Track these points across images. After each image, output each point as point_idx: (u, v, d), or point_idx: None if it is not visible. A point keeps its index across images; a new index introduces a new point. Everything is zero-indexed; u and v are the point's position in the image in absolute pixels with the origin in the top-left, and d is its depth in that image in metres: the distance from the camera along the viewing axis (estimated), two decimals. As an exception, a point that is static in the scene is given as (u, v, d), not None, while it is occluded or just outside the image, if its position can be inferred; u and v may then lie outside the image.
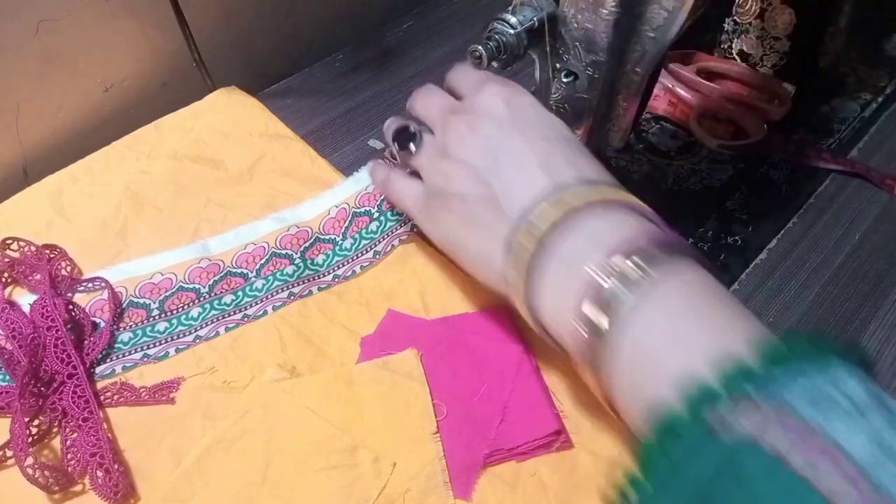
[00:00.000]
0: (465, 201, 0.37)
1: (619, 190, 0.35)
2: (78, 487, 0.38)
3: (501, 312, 0.46)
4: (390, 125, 0.45)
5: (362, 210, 0.51)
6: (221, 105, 0.62)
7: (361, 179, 0.53)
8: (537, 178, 0.35)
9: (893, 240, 0.52)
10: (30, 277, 0.47)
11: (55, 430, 0.41)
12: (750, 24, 0.61)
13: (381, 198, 0.51)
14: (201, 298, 0.47)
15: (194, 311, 0.46)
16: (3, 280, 0.48)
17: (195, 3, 0.61)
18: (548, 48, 0.42)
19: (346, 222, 0.51)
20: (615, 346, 0.30)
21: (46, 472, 0.37)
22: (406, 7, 0.77)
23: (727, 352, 0.26)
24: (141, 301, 0.47)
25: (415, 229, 0.50)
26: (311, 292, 0.48)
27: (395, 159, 0.45)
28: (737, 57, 0.64)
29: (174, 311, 0.46)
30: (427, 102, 0.44)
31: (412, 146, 0.42)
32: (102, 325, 0.45)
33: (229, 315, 0.46)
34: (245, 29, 0.68)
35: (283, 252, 0.49)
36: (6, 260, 0.48)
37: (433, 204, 0.40)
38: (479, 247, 0.37)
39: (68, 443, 0.40)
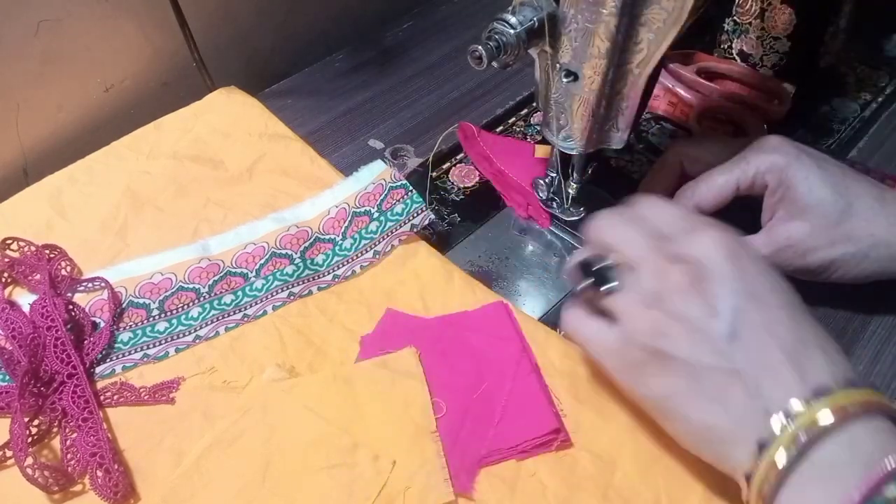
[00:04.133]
0: (689, 368, 0.34)
1: (875, 392, 0.32)
2: (78, 487, 0.38)
3: (501, 311, 0.46)
4: (577, 255, 0.40)
5: (362, 210, 0.51)
6: (221, 105, 0.62)
7: (361, 179, 0.53)
8: (785, 367, 0.32)
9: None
10: (30, 277, 0.47)
11: (55, 430, 0.41)
12: (750, 24, 0.61)
13: (381, 197, 0.51)
14: (201, 298, 0.47)
15: (194, 311, 0.46)
16: (3, 280, 0.48)
17: (195, 3, 0.61)
18: (548, 48, 0.42)
19: (346, 222, 0.51)
20: None
21: (46, 472, 0.37)
22: (406, 7, 0.77)
23: None
24: (141, 301, 0.47)
25: (415, 229, 0.50)
26: (310, 292, 0.48)
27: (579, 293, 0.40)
28: (737, 57, 0.64)
29: (174, 311, 0.46)
30: (623, 234, 0.38)
31: (612, 285, 0.37)
32: (102, 325, 0.45)
33: (229, 315, 0.46)
34: (245, 29, 0.68)
35: (283, 252, 0.49)
36: (6, 260, 0.48)
37: (639, 358, 0.35)
38: (708, 421, 0.34)
39: (68, 443, 0.40)
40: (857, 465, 0.30)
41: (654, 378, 0.35)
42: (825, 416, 0.30)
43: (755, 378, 0.32)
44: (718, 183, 0.45)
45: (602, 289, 0.37)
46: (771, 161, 0.44)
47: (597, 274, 0.38)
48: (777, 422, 0.31)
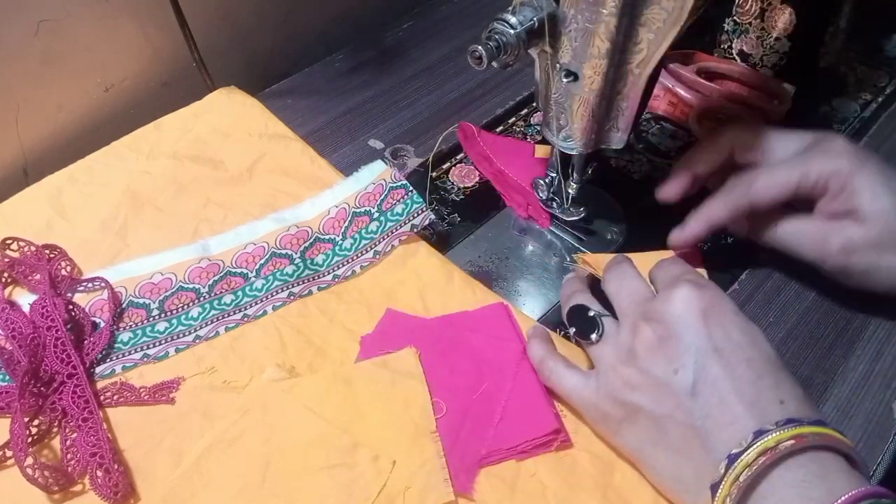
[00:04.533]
0: (655, 420, 0.36)
1: (826, 428, 0.33)
2: (78, 487, 0.38)
3: (501, 311, 0.46)
4: (571, 298, 0.44)
5: (362, 210, 0.51)
6: (221, 105, 0.62)
7: (361, 179, 0.53)
8: (742, 416, 0.33)
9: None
10: (30, 277, 0.47)
11: (55, 430, 0.41)
12: (750, 24, 0.61)
13: (382, 198, 0.51)
14: (201, 298, 0.47)
15: (194, 311, 0.46)
16: (3, 280, 0.48)
17: (195, 3, 0.61)
18: (548, 48, 0.42)
19: (346, 222, 0.51)
20: None
21: (46, 472, 0.37)
22: (406, 7, 0.77)
23: None
24: (141, 301, 0.47)
25: (415, 230, 0.50)
26: (310, 292, 0.48)
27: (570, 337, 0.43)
28: (737, 57, 0.64)
29: (174, 311, 0.46)
30: (621, 287, 0.41)
31: (593, 336, 0.40)
32: (102, 325, 0.45)
33: (229, 315, 0.46)
34: (245, 29, 0.68)
35: (283, 252, 0.49)
36: (6, 260, 0.48)
37: (613, 410, 0.38)
38: (673, 471, 0.36)
39: (68, 443, 0.40)
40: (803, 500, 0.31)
41: (626, 429, 0.37)
42: (766, 454, 0.31)
43: (712, 431, 0.34)
44: (779, 182, 0.44)
45: (584, 340, 0.41)
46: (836, 166, 0.43)
47: (579, 322, 0.41)
48: (723, 467, 0.32)
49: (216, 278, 0.48)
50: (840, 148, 0.44)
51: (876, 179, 0.42)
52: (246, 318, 0.46)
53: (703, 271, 0.47)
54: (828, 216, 0.44)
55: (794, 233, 0.45)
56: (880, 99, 0.64)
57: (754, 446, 0.32)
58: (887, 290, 0.44)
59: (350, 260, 0.49)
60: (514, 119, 0.63)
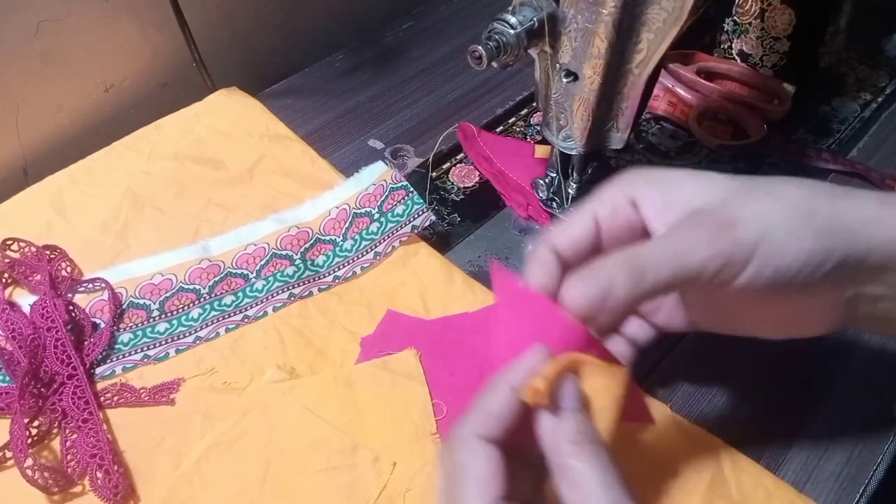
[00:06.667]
0: None
1: None
2: (77, 489, 0.38)
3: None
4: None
5: (363, 211, 0.51)
6: (222, 105, 0.62)
7: (362, 180, 0.53)
8: None
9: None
10: (30, 278, 0.47)
11: (55, 431, 0.41)
12: (750, 24, 0.61)
13: (382, 199, 0.51)
14: (201, 299, 0.47)
15: (194, 312, 0.46)
16: (4, 281, 0.47)
17: (195, 3, 0.61)
18: (548, 48, 0.41)
19: (347, 223, 0.51)
20: None
21: (46, 474, 0.37)
22: (406, 7, 0.77)
23: None
24: (141, 302, 0.47)
25: (415, 231, 0.50)
26: (311, 293, 0.48)
27: None
28: (737, 57, 0.64)
29: (174, 312, 0.46)
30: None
31: None
32: (102, 325, 0.45)
33: (229, 316, 0.46)
34: (245, 29, 0.68)
35: (284, 253, 0.49)
36: (6, 261, 0.48)
37: None
38: None
39: (68, 444, 0.40)
40: None
41: None
42: None
43: None
44: (570, 221, 0.35)
45: None
46: (624, 177, 0.34)
47: None
48: None
49: (217, 279, 0.48)
50: (628, 171, 0.35)
51: (676, 171, 0.34)
52: (246, 319, 0.46)
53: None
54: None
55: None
56: (880, 99, 0.64)
57: None
58: (771, 284, 0.31)
59: (351, 261, 0.49)
60: (514, 119, 0.63)
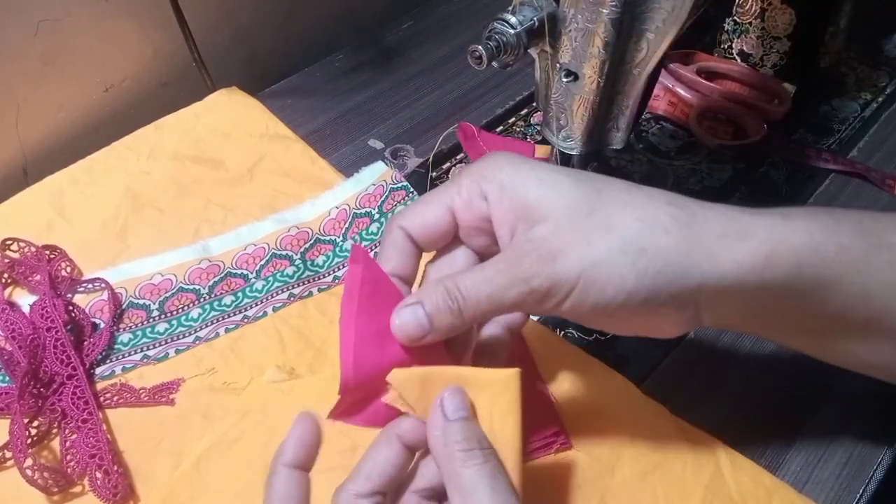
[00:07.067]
0: None
1: None
2: (77, 489, 0.38)
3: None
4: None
5: (363, 211, 0.51)
6: (222, 105, 0.62)
7: (362, 180, 0.53)
8: None
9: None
10: (30, 278, 0.47)
11: (55, 431, 0.41)
12: (750, 24, 0.61)
13: (382, 199, 0.51)
14: (201, 299, 0.47)
15: (194, 313, 0.46)
16: (3, 281, 0.47)
17: (195, 3, 0.61)
18: (548, 48, 0.41)
19: (347, 223, 0.51)
20: None
21: (45, 474, 0.37)
22: (406, 7, 0.77)
23: None
24: (141, 302, 0.47)
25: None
26: (311, 293, 0.48)
27: None
28: (737, 57, 0.64)
29: (174, 312, 0.46)
30: None
31: None
32: (102, 326, 0.45)
33: (229, 316, 0.46)
34: (245, 29, 0.68)
35: (284, 253, 0.49)
36: (6, 261, 0.48)
37: None
38: None
39: (67, 444, 0.40)
40: None
41: None
42: None
43: None
44: (425, 206, 0.34)
45: None
46: (483, 165, 0.34)
47: None
48: None
49: (216, 279, 0.48)
50: (488, 155, 0.35)
51: (537, 165, 0.33)
52: (246, 320, 0.46)
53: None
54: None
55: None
56: (880, 99, 0.64)
57: None
58: (643, 298, 0.30)
59: (350, 260, 0.49)
60: (514, 119, 0.63)
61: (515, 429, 0.31)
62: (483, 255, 0.35)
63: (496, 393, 0.31)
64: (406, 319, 0.31)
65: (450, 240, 0.35)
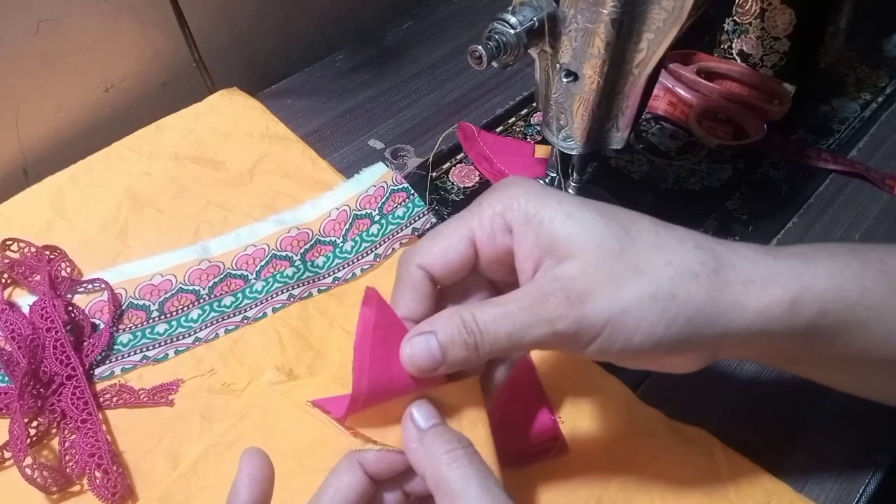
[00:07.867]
0: None
1: None
2: (76, 488, 0.38)
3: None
4: None
5: (363, 212, 0.51)
6: (222, 106, 0.62)
7: (362, 181, 0.53)
8: None
9: (894, 240, 0.52)
10: (29, 278, 0.47)
11: (54, 431, 0.41)
12: (750, 24, 0.61)
13: (383, 200, 0.51)
14: (201, 300, 0.47)
15: (194, 313, 0.46)
16: (3, 281, 0.47)
17: (195, 3, 0.61)
18: (548, 48, 0.41)
19: (347, 224, 0.51)
20: None
21: (45, 473, 0.37)
22: (406, 7, 0.77)
23: None
24: (141, 303, 0.47)
25: (416, 233, 0.50)
26: (311, 294, 0.48)
27: None
28: (737, 57, 0.64)
29: (174, 313, 0.46)
30: None
31: None
32: (102, 326, 0.45)
33: (229, 317, 0.46)
34: (245, 29, 0.68)
35: (284, 254, 0.49)
36: (6, 261, 0.48)
37: None
38: None
39: (67, 444, 0.40)
40: None
41: None
42: None
43: None
44: (446, 240, 0.33)
45: None
46: (504, 194, 0.32)
47: None
48: None
49: (216, 280, 0.48)
50: (510, 180, 0.34)
51: (563, 198, 0.32)
52: (246, 321, 0.46)
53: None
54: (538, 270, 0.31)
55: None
56: (880, 99, 0.64)
57: None
58: (660, 345, 0.30)
59: (351, 262, 0.49)
60: (514, 119, 0.63)
61: (487, 436, 0.30)
62: (498, 284, 0.34)
63: (460, 405, 0.31)
64: (418, 350, 0.30)
65: (469, 271, 0.34)
